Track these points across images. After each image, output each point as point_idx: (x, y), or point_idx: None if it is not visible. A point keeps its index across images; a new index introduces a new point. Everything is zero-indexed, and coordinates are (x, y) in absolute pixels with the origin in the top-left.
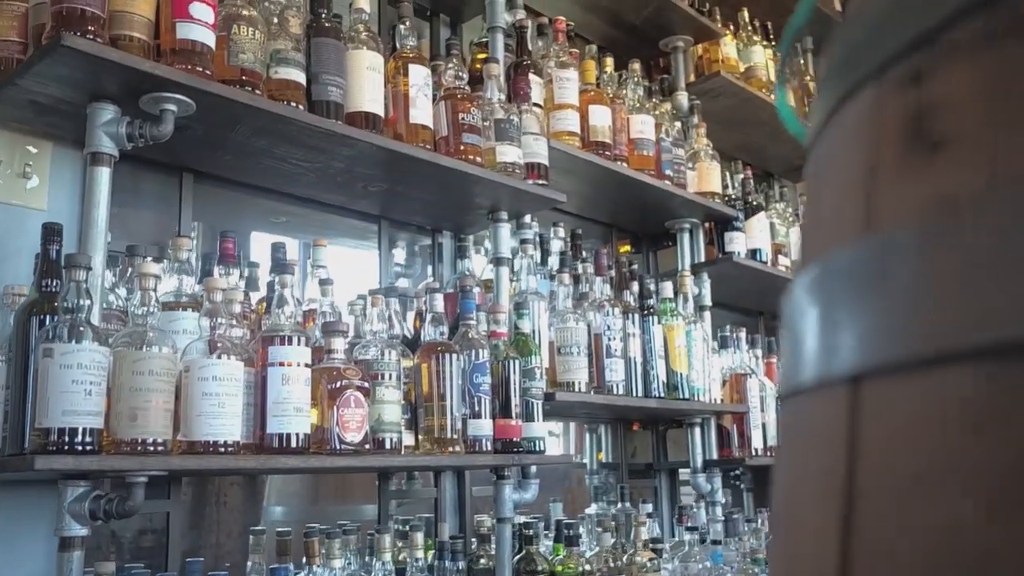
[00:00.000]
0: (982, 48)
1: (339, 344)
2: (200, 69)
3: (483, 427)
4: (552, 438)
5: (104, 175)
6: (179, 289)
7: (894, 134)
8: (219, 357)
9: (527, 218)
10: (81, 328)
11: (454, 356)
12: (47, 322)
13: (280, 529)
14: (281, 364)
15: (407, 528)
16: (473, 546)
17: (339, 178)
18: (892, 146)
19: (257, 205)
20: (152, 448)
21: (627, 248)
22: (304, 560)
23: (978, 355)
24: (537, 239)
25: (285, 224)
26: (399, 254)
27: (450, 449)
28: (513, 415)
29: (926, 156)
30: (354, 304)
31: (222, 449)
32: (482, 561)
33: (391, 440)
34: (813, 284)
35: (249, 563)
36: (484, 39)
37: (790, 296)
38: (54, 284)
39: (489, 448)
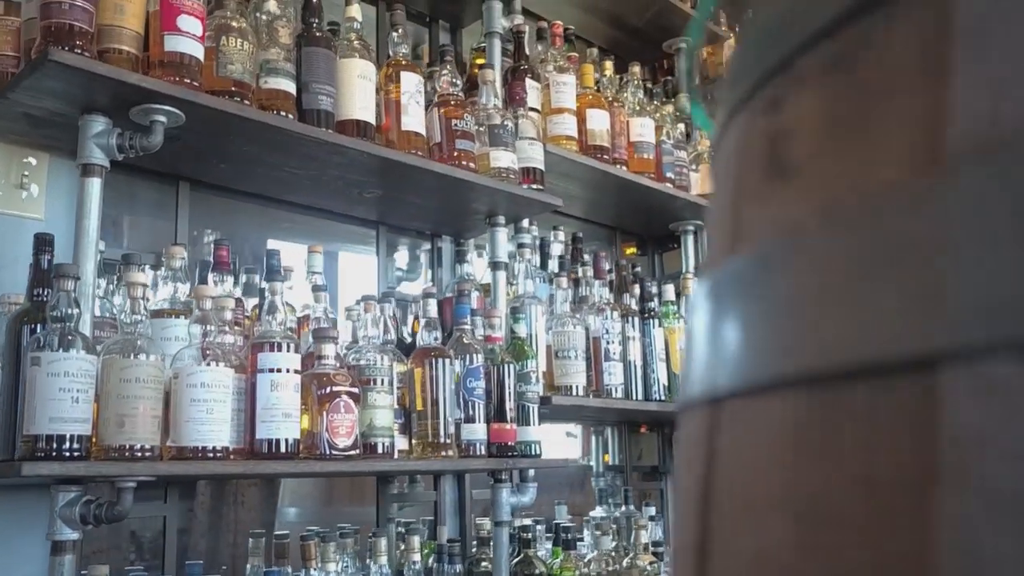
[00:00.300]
0: (826, 76)
1: (329, 350)
2: (188, 81)
3: (477, 431)
4: (571, 439)
5: (95, 186)
6: (174, 296)
7: (757, 158)
8: (208, 364)
9: (525, 222)
10: (70, 337)
11: (447, 361)
12: (38, 330)
13: (278, 532)
14: (270, 370)
15: (404, 531)
16: (473, 549)
17: (333, 185)
18: (755, 170)
19: (254, 212)
20: (140, 454)
21: (633, 250)
22: (301, 563)
23: (802, 382)
24: (537, 243)
25: (285, 230)
26: (401, 258)
27: (443, 453)
28: (508, 419)
29: (779, 182)
30: (351, 310)
31: (211, 454)
32: (483, 564)
33: (383, 445)
34: (699, 299)
35: (248, 566)
36: (483, 44)
37: (689, 307)
38: (45, 293)
39: (483, 452)
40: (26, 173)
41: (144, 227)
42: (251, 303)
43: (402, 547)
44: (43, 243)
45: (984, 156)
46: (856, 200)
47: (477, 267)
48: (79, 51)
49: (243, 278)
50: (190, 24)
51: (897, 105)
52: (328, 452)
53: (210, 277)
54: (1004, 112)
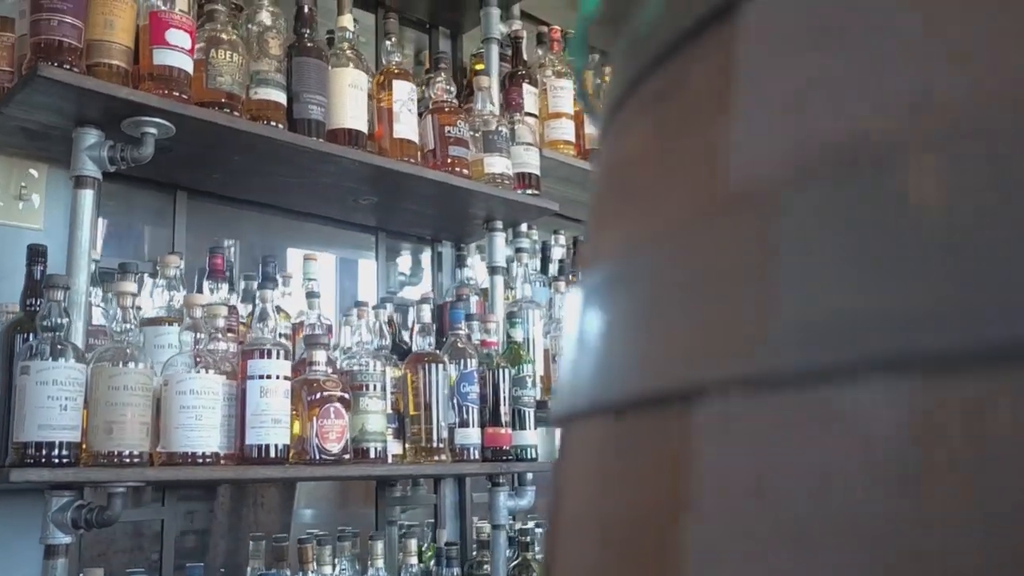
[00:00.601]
0: (653, 108)
1: (320, 356)
2: (177, 94)
3: (471, 436)
4: None
5: (88, 197)
6: (169, 304)
7: (610, 181)
8: (197, 371)
9: (524, 227)
10: (59, 346)
11: (440, 366)
12: (30, 339)
13: (276, 535)
14: (260, 377)
15: (402, 534)
16: (474, 552)
17: (328, 193)
18: (608, 193)
19: (254, 220)
20: (128, 460)
21: None
22: (299, 566)
23: (610, 410)
24: (537, 247)
25: (285, 237)
26: (404, 263)
27: (435, 458)
28: (503, 423)
29: (616, 210)
30: (348, 315)
31: (200, 460)
32: (484, 567)
33: (375, 449)
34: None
35: (249, 568)
36: (482, 50)
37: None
38: (37, 303)
39: (477, 456)
40: (24, 184)
41: (149, 235)
42: (249, 310)
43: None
44: (36, 254)
45: (748, 197)
46: (650, 237)
47: (479, 271)
48: (68, 66)
49: (242, 284)
50: (178, 38)
51: (690, 144)
52: (318, 457)
53: (205, 284)
54: (771, 153)
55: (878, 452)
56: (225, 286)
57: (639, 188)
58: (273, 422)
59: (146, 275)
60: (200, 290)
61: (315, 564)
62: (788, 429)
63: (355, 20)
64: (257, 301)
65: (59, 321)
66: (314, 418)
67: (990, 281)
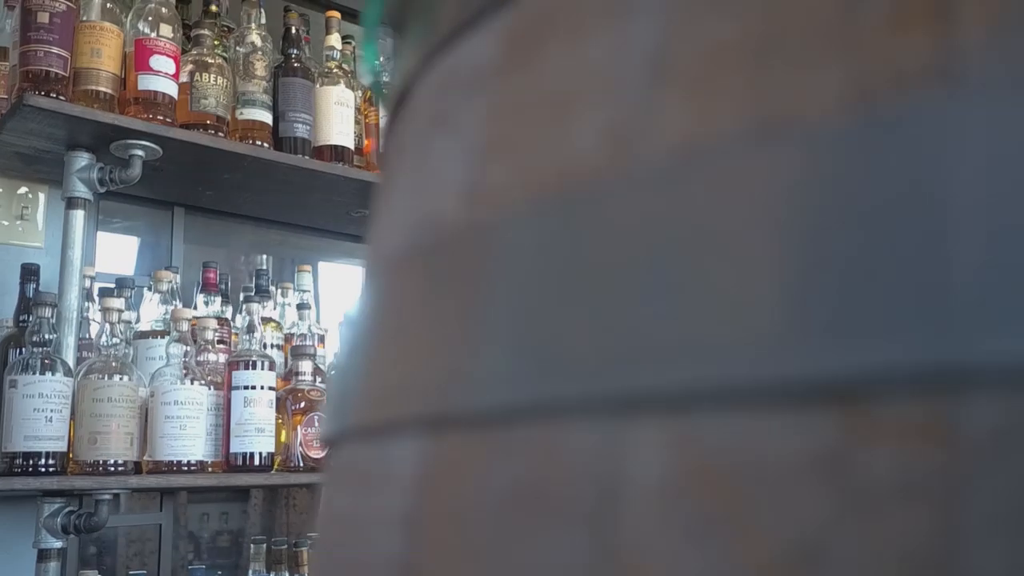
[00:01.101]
0: (390, 150)
1: (306, 367)
2: (161, 117)
3: None
4: None
5: (79, 217)
6: (164, 318)
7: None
8: (182, 383)
9: None
10: (47, 361)
11: None
12: (22, 353)
13: (276, 539)
14: (244, 387)
15: None
16: None
17: (320, 208)
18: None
19: (248, 233)
20: (113, 468)
21: None
22: (296, 569)
23: (359, 435)
24: None
25: (284, 249)
26: None
27: None
28: None
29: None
30: (340, 325)
31: (185, 468)
32: None
33: None
34: None
35: (250, 571)
36: None
37: None
38: (28, 319)
39: None
40: (25, 205)
41: (176, 250)
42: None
43: None
44: (28, 272)
45: (386, 263)
46: (365, 279)
47: None
48: (55, 95)
49: (240, 296)
50: (163, 63)
51: (395, 198)
52: (302, 464)
53: (199, 298)
54: (398, 230)
55: (396, 503)
56: (219, 299)
57: (373, 223)
58: (257, 431)
59: (145, 289)
60: (195, 303)
61: (309, 567)
62: (356, 478)
63: (350, 37)
64: (244, 313)
65: (47, 337)
66: (298, 426)
67: (489, 356)
